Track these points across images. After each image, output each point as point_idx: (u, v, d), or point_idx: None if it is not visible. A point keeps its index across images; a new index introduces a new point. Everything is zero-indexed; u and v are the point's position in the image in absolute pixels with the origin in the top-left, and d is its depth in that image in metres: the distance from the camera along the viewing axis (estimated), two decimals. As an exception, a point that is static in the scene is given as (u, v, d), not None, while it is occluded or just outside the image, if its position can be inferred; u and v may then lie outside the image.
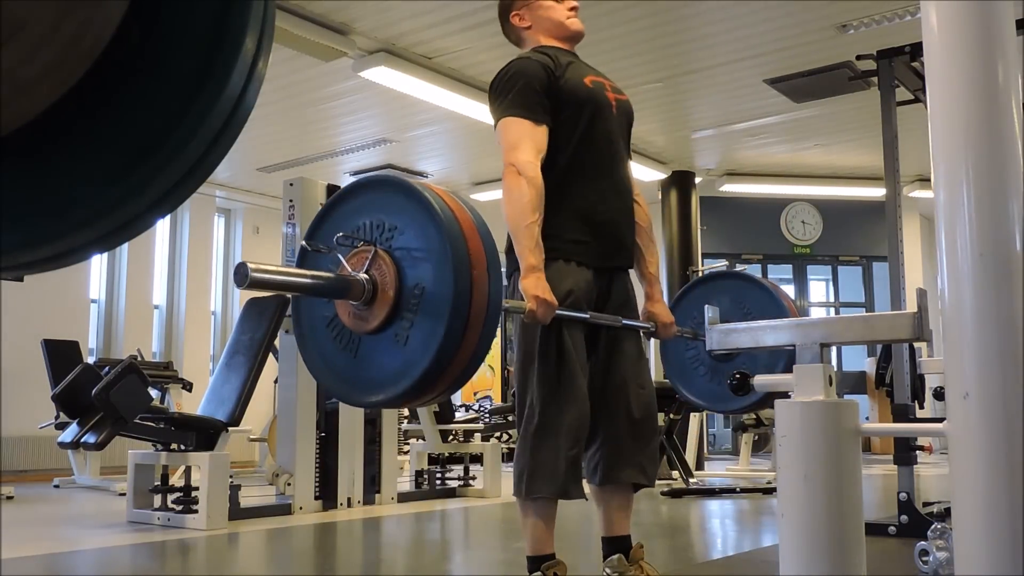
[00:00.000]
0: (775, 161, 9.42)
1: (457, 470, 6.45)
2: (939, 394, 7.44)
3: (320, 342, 1.90)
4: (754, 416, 7.33)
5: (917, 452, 4.16)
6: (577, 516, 4.39)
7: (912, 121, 4.78)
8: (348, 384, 1.85)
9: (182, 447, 4.63)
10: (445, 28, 6.08)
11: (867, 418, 10.11)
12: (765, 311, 2.87)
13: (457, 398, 11.03)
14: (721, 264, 9.46)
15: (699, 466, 8.07)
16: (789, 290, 11.86)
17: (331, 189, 5.70)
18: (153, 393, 5.58)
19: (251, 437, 8.28)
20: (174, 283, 9.73)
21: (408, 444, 7.73)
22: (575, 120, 2.47)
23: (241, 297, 9.73)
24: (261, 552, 4.09)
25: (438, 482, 6.30)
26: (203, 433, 4.64)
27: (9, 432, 7.64)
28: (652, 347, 7.96)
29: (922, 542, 2.70)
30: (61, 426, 5.49)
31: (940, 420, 1.34)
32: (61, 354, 6.60)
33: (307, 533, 4.44)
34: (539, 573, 2.36)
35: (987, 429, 1.18)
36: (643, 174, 9.47)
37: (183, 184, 0.70)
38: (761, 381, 2.71)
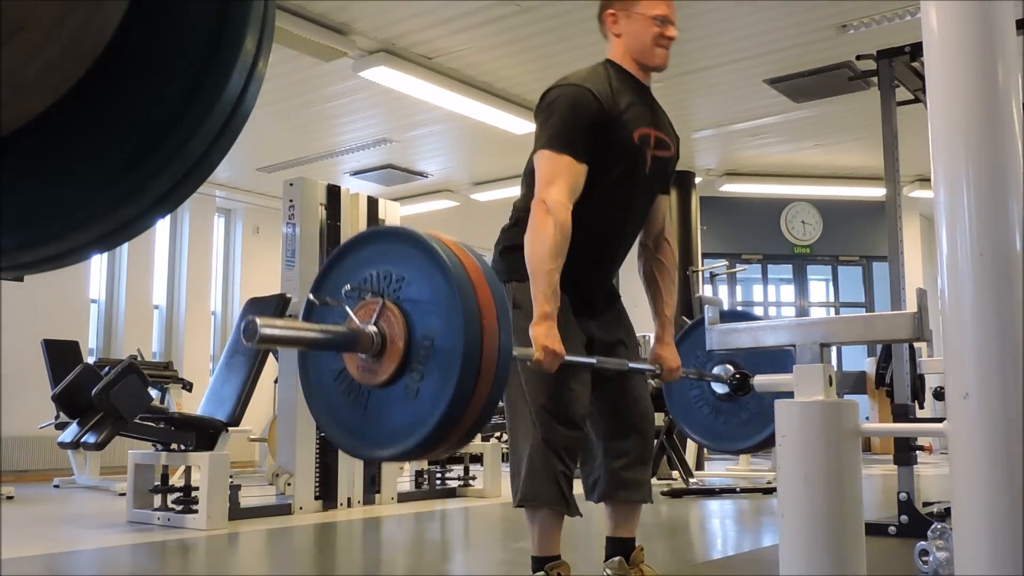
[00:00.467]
0: (775, 161, 9.42)
1: (457, 470, 6.45)
2: (939, 394, 7.46)
3: (328, 395, 1.86)
4: (754, 416, 7.32)
5: (917, 452, 4.16)
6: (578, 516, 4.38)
7: (912, 121, 4.78)
8: (357, 438, 1.81)
9: (182, 447, 4.63)
10: (445, 28, 6.08)
11: (867, 418, 10.11)
12: (773, 359, 2.80)
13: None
14: (721, 264, 9.46)
15: (699, 466, 8.07)
16: (789, 290, 11.87)
17: (331, 189, 5.70)
18: (153, 393, 5.58)
19: (251, 437, 8.28)
20: (174, 283, 9.73)
21: (408, 444, 7.72)
22: (599, 176, 2.36)
23: (241, 297, 9.74)
24: (261, 552, 4.09)
25: (438, 482, 6.30)
26: (203, 433, 4.64)
27: (9, 432, 7.64)
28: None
29: (922, 542, 2.70)
30: (61, 426, 5.49)
31: (940, 420, 1.34)
32: (61, 354, 6.60)
33: (307, 533, 4.44)
34: (542, 573, 2.36)
35: (987, 429, 1.18)
36: (643, 174, 9.46)
37: (183, 184, 0.70)
38: (761, 381, 2.71)
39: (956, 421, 1.22)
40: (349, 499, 5.29)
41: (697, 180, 9.76)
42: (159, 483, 4.62)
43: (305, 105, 7.49)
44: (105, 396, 4.26)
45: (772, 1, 5.73)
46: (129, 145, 0.66)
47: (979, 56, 1.23)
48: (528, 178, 2.46)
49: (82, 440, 4.44)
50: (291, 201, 5.49)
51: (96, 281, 9.11)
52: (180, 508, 4.53)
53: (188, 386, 7.19)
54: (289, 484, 5.11)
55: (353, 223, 5.83)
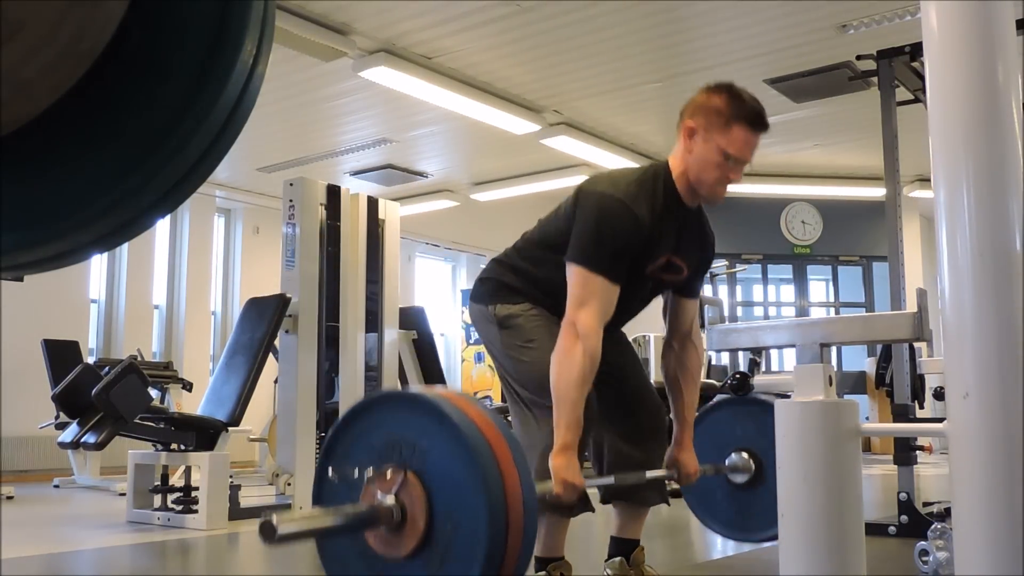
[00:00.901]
0: (775, 161, 9.42)
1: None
2: (939, 394, 7.46)
3: (343, 557, 1.80)
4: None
5: (917, 452, 4.16)
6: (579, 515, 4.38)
7: (912, 121, 4.78)
8: None
9: (182, 447, 4.63)
10: (445, 28, 6.08)
11: (867, 418, 10.10)
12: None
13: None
14: (721, 264, 9.46)
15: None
16: (789, 290, 11.87)
17: (331, 189, 5.70)
18: (153, 393, 5.58)
19: (251, 437, 8.28)
20: (174, 283, 9.72)
21: (408, 444, 7.72)
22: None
23: (241, 297, 9.74)
24: (261, 552, 4.09)
25: (438, 482, 6.29)
26: (203, 433, 4.64)
27: (9, 432, 7.64)
28: (652, 349, 7.95)
29: (922, 542, 2.70)
30: (61, 426, 5.49)
31: (940, 420, 1.34)
32: (61, 354, 6.60)
33: (307, 533, 4.44)
34: (544, 573, 2.36)
35: (987, 429, 1.18)
36: (643, 174, 9.46)
37: (183, 184, 0.70)
38: (761, 381, 2.70)
39: (956, 421, 1.22)
40: (349, 499, 5.29)
41: (697, 180, 9.76)
42: (159, 483, 4.62)
43: (305, 105, 7.49)
44: (105, 396, 4.26)
45: (772, 1, 5.73)
46: (129, 145, 0.66)
47: (979, 56, 1.23)
48: (546, 236, 2.45)
49: (82, 440, 4.44)
50: (291, 201, 5.49)
51: (96, 281, 9.11)
52: (180, 508, 4.53)
53: (188, 386, 7.18)
54: (289, 484, 5.11)
55: (353, 223, 5.82)
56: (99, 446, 4.39)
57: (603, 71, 6.90)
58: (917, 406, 4.58)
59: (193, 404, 5.84)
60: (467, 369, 11.84)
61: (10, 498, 5.94)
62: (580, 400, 2.17)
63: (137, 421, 4.48)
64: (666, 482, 2.61)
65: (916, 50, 4.25)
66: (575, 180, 9.69)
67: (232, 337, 5.28)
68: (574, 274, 2.27)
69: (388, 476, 1.69)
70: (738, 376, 2.83)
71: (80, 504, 5.87)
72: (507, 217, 11.81)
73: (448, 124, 8.06)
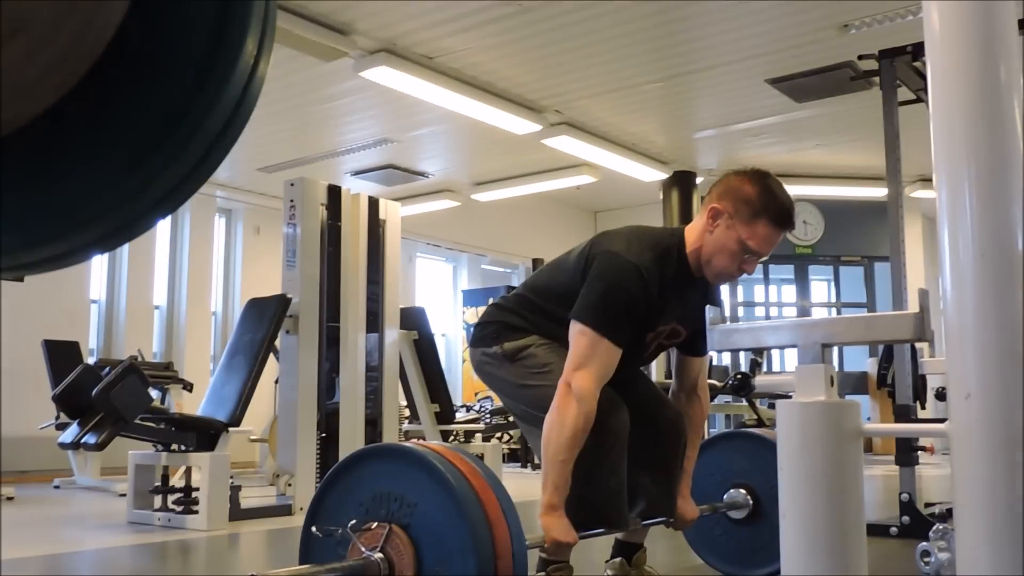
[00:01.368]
0: (776, 161, 9.42)
1: (458, 470, 6.44)
2: (941, 395, 7.45)
3: None
4: (755, 417, 7.33)
5: (919, 453, 4.16)
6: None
7: (914, 121, 4.77)
8: None
9: (182, 448, 4.63)
10: (445, 28, 6.08)
11: (868, 419, 10.10)
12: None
13: (458, 399, 11.03)
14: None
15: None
16: (790, 290, 11.87)
17: (332, 189, 5.70)
18: (154, 394, 5.58)
19: (252, 438, 8.28)
20: (175, 283, 9.72)
21: (409, 444, 7.71)
22: None
23: (242, 297, 9.74)
24: (261, 553, 4.09)
25: (439, 482, 6.29)
26: (203, 434, 4.64)
27: (9, 432, 7.64)
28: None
29: (924, 543, 2.69)
30: (61, 426, 5.49)
31: (942, 421, 1.34)
32: (61, 354, 6.60)
33: (308, 533, 4.44)
34: (544, 573, 2.35)
35: (989, 430, 1.18)
36: (644, 174, 9.48)
37: (184, 185, 0.70)
38: (762, 381, 2.70)
39: (958, 422, 1.22)
40: (350, 499, 5.28)
41: (698, 180, 9.77)
42: (159, 484, 4.62)
43: (306, 105, 7.49)
44: (105, 397, 4.26)
45: (774, 1, 5.73)
46: (130, 146, 0.66)
47: (981, 56, 1.23)
48: (556, 287, 2.43)
49: (82, 441, 4.43)
50: (292, 201, 5.49)
51: (96, 281, 9.11)
52: (180, 509, 4.53)
53: (188, 387, 7.18)
54: (290, 485, 5.11)
55: (354, 223, 5.83)
56: (99, 447, 4.39)
57: (604, 71, 6.89)
58: (919, 407, 4.57)
59: (193, 405, 5.84)
60: (468, 369, 11.84)
61: (10, 499, 5.94)
62: (569, 461, 2.16)
63: (137, 422, 4.48)
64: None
65: (918, 50, 4.24)
66: (576, 180, 9.71)
67: (233, 337, 5.29)
68: (578, 334, 2.24)
69: (374, 531, 1.69)
70: (739, 376, 2.83)
71: (80, 505, 5.87)
72: (508, 217, 11.84)
73: (449, 124, 8.06)
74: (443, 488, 1.67)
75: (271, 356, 5.33)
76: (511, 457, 9.26)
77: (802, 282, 11.38)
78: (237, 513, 4.65)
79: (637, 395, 2.48)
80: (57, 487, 6.92)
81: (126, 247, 8.94)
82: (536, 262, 11.41)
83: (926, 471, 7.35)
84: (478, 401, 10.70)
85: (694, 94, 7.56)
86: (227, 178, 9.48)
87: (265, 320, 5.11)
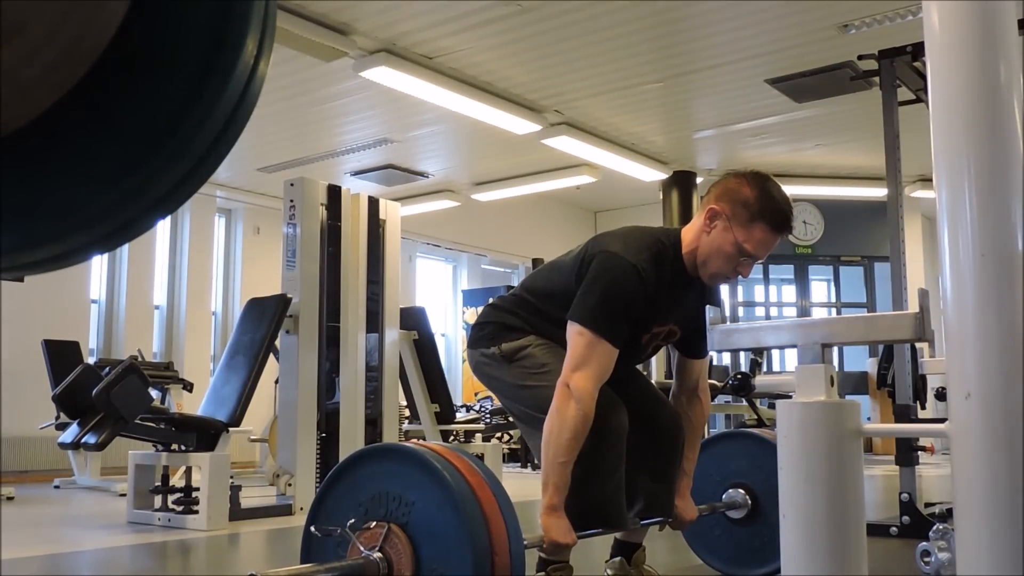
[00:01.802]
0: (776, 161, 9.42)
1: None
2: (941, 395, 7.46)
3: None
4: (755, 417, 7.33)
5: (919, 453, 4.16)
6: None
7: (914, 121, 4.78)
8: None
9: (183, 448, 4.63)
10: (445, 28, 6.08)
11: (868, 419, 10.10)
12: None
13: (458, 399, 11.03)
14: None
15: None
16: (790, 290, 11.87)
17: (332, 189, 5.70)
18: (154, 393, 5.58)
19: (252, 438, 8.28)
20: (175, 283, 9.72)
21: (409, 444, 7.71)
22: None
23: (242, 297, 9.74)
24: (262, 553, 4.09)
25: (439, 482, 6.29)
26: (204, 434, 4.64)
27: (9, 432, 7.64)
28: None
29: (924, 543, 2.70)
30: (61, 426, 5.49)
31: (942, 421, 1.34)
32: (61, 354, 6.60)
33: (308, 533, 4.44)
34: (543, 573, 2.35)
35: (989, 429, 1.18)
36: (643, 174, 9.48)
37: (184, 185, 0.70)
38: (762, 381, 2.70)
39: (958, 422, 1.22)
40: (350, 499, 5.28)
41: (698, 180, 9.77)
42: (159, 484, 4.62)
43: (306, 105, 7.49)
44: (105, 396, 4.26)
45: (773, 1, 5.73)
46: (130, 146, 0.66)
47: (981, 56, 1.23)
48: (553, 289, 2.43)
49: (82, 441, 4.43)
50: (292, 201, 5.49)
51: (96, 281, 9.11)
52: (181, 509, 4.53)
53: (189, 386, 7.18)
54: (290, 485, 5.11)
55: (354, 223, 5.82)
56: (100, 447, 4.39)
57: (604, 71, 6.89)
58: (919, 406, 4.57)
59: (194, 404, 5.84)
60: (468, 369, 11.83)
61: (10, 499, 5.94)
62: (569, 463, 2.16)
63: (138, 422, 4.48)
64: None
65: (918, 50, 4.25)
66: (576, 180, 9.71)
67: (233, 337, 5.29)
68: (576, 334, 2.23)
69: (372, 530, 1.70)
70: (739, 376, 2.83)
71: (80, 505, 5.87)
72: (508, 217, 11.84)
73: (449, 124, 8.06)
74: (440, 486, 1.67)
75: (271, 356, 5.33)
76: (511, 457, 9.26)
77: (802, 282, 11.38)
78: (237, 513, 4.65)
79: (635, 395, 2.48)
80: (57, 487, 6.92)
81: (126, 247, 8.94)
82: (536, 262, 11.41)
83: (926, 471, 7.35)
84: (478, 401, 10.70)
85: (694, 94, 7.56)
86: (227, 178, 9.48)
87: (265, 320, 5.11)
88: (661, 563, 3.04)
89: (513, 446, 9.35)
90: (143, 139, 0.66)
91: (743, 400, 7.16)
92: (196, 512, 4.45)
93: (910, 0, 5.70)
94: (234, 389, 4.88)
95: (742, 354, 9.37)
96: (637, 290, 2.26)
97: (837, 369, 1.47)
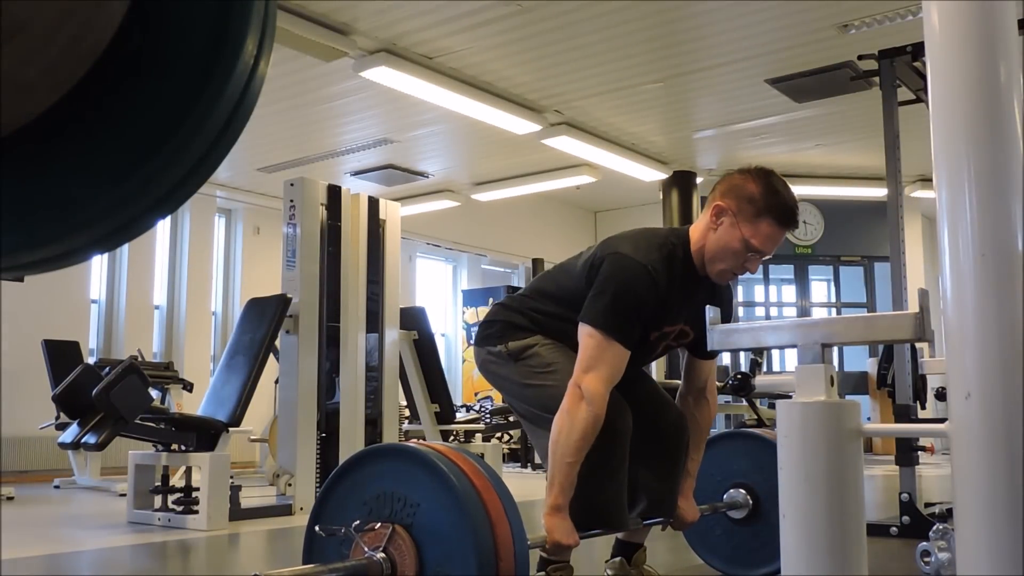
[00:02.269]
0: (776, 161, 9.42)
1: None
2: (941, 395, 7.46)
3: None
4: (755, 417, 7.32)
5: (919, 453, 4.16)
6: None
7: (914, 121, 4.78)
8: None
9: (183, 448, 4.63)
10: (446, 28, 6.08)
11: (868, 419, 10.10)
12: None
13: (458, 398, 11.03)
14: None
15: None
16: (790, 290, 11.87)
17: (332, 189, 5.70)
18: (154, 393, 5.58)
19: (252, 438, 8.28)
20: (175, 283, 9.72)
21: (409, 444, 7.71)
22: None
23: (242, 297, 9.74)
24: (262, 553, 4.09)
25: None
26: (204, 434, 4.64)
27: (9, 432, 7.64)
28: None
29: (924, 543, 2.70)
30: (61, 426, 5.49)
31: (942, 421, 1.34)
32: (61, 354, 6.60)
33: (308, 533, 4.44)
34: (544, 573, 2.35)
35: (989, 429, 1.18)
36: (643, 174, 9.48)
37: (184, 185, 0.70)
38: (762, 381, 2.70)
39: (958, 421, 1.22)
40: (350, 499, 5.28)
41: (698, 180, 9.77)
42: (159, 484, 4.62)
43: (306, 105, 7.49)
44: (105, 396, 4.26)
45: (773, 1, 5.73)
46: (130, 146, 0.66)
47: (981, 56, 1.23)
48: (564, 293, 2.42)
49: (82, 441, 4.43)
50: (292, 201, 5.49)
51: (96, 281, 9.11)
52: (181, 509, 4.53)
53: (189, 386, 7.18)
54: (290, 485, 5.11)
55: (354, 223, 5.82)
56: (100, 447, 4.39)
57: (604, 71, 6.89)
58: (919, 406, 4.57)
59: (194, 404, 5.84)
60: (468, 369, 11.84)
61: (10, 499, 5.94)
62: (577, 463, 2.16)
63: (138, 422, 4.48)
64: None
65: (918, 50, 4.25)
66: (576, 180, 9.71)
67: (233, 337, 5.29)
68: (587, 336, 2.23)
69: (377, 531, 1.70)
70: (739, 376, 2.83)
71: (80, 505, 5.87)
72: (508, 217, 11.84)
73: (449, 124, 8.06)
74: (446, 489, 1.67)
75: (271, 356, 5.33)
76: (511, 457, 9.26)
77: (802, 282, 11.38)
78: (237, 513, 4.65)
79: (640, 396, 2.47)
80: (57, 487, 6.92)
81: (126, 247, 8.94)
82: (536, 262, 11.41)
83: (926, 471, 7.35)
84: (478, 401, 10.70)
85: (694, 94, 7.56)
86: (227, 178, 9.48)
87: (265, 320, 5.11)
88: (661, 563, 3.04)
89: (513, 446, 9.35)
90: (143, 139, 0.66)
91: (743, 400, 7.16)
92: (196, 512, 4.45)
93: (910, 0, 5.70)
94: (234, 389, 4.88)
95: (742, 354, 9.37)
96: (648, 291, 2.26)
97: (837, 369, 1.47)
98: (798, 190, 9.00)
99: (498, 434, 8.68)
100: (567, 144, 8.34)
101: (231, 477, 4.65)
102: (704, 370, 2.60)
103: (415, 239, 11.19)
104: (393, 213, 6.20)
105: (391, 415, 5.91)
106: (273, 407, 7.88)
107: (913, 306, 1.39)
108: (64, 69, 0.63)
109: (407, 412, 7.47)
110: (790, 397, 1.46)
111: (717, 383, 5.97)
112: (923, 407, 6.02)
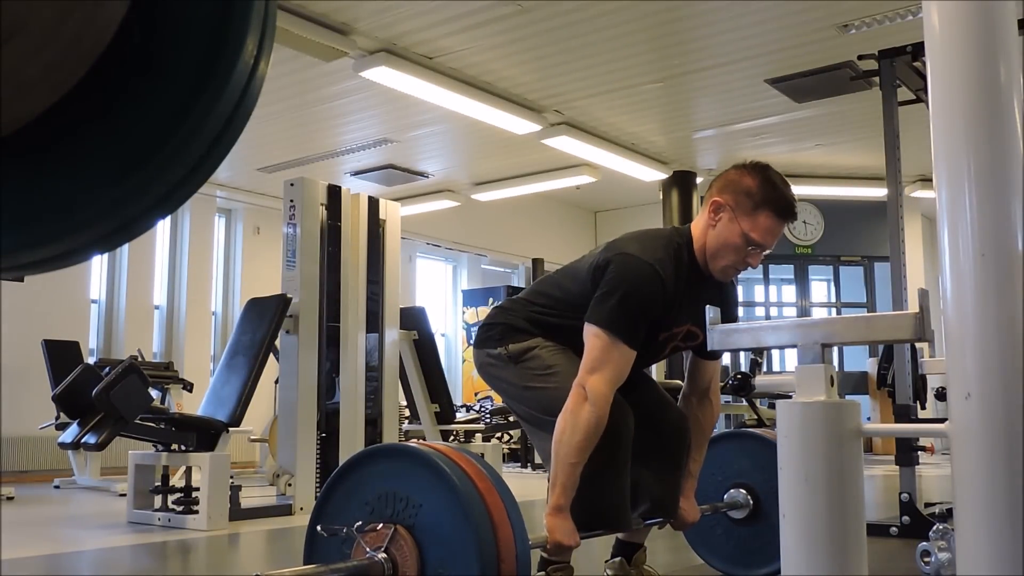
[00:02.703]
0: (776, 161, 9.36)
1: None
2: (941, 395, 7.46)
3: None
4: (755, 417, 7.33)
5: (919, 453, 4.16)
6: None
7: (914, 121, 4.78)
8: None
9: (183, 448, 4.63)
10: (445, 28, 6.08)
11: (868, 418, 10.10)
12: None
13: (458, 398, 11.03)
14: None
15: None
16: (790, 290, 11.86)
17: (332, 189, 5.70)
18: (154, 393, 5.58)
19: (252, 438, 8.28)
20: (174, 283, 9.72)
21: (409, 444, 7.71)
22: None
23: (242, 297, 9.74)
24: (262, 553, 4.09)
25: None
26: (204, 434, 4.64)
27: (9, 432, 7.64)
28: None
29: (924, 543, 2.70)
30: (61, 426, 5.49)
31: (942, 420, 1.34)
32: (61, 354, 6.60)
33: (308, 533, 4.44)
34: (544, 573, 2.35)
35: (989, 429, 1.18)
36: (643, 174, 9.47)
37: (184, 185, 0.70)
38: (762, 381, 2.70)
39: (958, 421, 1.22)
40: (350, 499, 5.28)
41: (698, 180, 9.77)
42: (159, 484, 4.62)
43: (306, 105, 7.49)
44: (105, 396, 4.26)
45: (773, 1, 5.73)
46: (130, 145, 0.66)
47: (981, 56, 1.23)
48: (570, 296, 2.40)
49: (82, 440, 4.43)
50: (292, 201, 5.49)
51: (96, 281, 9.11)
52: (181, 509, 4.53)
53: (188, 386, 7.19)
54: (290, 485, 5.11)
55: (354, 223, 5.82)
56: (100, 447, 4.39)
57: (604, 71, 6.89)
58: (919, 406, 4.57)
59: (194, 404, 5.84)
60: (468, 370, 11.84)
61: (10, 499, 5.94)
62: (580, 464, 2.16)
63: (138, 422, 4.48)
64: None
65: (918, 50, 4.25)
66: (576, 180, 9.71)
67: (233, 337, 5.29)
68: (593, 337, 2.22)
69: (378, 531, 1.70)
70: (739, 376, 2.83)
71: (80, 505, 5.87)
72: (508, 217, 11.84)
73: (449, 124, 8.06)
74: (448, 490, 1.67)
75: (271, 356, 5.33)
76: (511, 457, 9.26)
77: (802, 282, 11.37)
78: (237, 513, 4.65)
79: (642, 396, 2.47)
80: (57, 487, 6.92)
81: (126, 247, 8.94)
82: (536, 262, 11.41)
83: (926, 471, 7.35)
84: (478, 401, 10.70)
85: (694, 94, 7.56)
86: (227, 178, 9.48)
87: (265, 320, 5.11)
88: (661, 563, 3.04)
89: (513, 446, 9.35)
90: (143, 139, 0.66)
91: (743, 400, 7.16)
92: (196, 512, 4.45)
93: (910, 0, 5.70)
94: (234, 389, 4.88)
95: (742, 354, 9.37)
96: (656, 291, 2.25)
97: (837, 369, 1.47)
98: (798, 190, 8.99)
99: (498, 434, 8.68)
100: (567, 144, 8.34)
101: (231, 477, 4.65)
102: (708, 371, 2.59)
103: (415, 239, 11.19)
104: (393, 213, 6.20)
105: (391, 415, 5.91)
106: (273, 407, 7.88)
107: (913, 306, 1.39)
108: (64, 69, 0.63)
109: (407, 412, 7.47)
110: (790, 397, 1.46)
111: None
112: (923, 407, 6.03)
